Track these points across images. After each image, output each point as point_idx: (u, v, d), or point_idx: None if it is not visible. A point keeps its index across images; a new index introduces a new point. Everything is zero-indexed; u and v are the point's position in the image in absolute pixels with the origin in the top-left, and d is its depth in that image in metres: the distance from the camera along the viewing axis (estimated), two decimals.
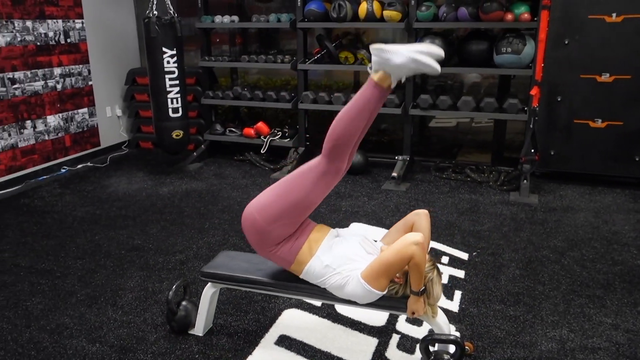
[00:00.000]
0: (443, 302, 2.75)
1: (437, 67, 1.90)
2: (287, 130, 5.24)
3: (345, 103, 4.81)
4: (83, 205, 4.20)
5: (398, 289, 2.05)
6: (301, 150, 5.15)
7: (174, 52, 4.61)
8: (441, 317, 2.10)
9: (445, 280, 2.98)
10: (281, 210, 2.05)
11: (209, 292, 2.42)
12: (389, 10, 4.52)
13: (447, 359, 2.00)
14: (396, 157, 4.81)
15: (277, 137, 5.20)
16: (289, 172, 4.78)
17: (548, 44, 4.24)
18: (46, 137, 4.97)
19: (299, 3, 4.82)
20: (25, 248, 3.44)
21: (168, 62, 4.60)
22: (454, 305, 2.73)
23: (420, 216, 2.20)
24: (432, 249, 3.37)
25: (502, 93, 4.95)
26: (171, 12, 4.63)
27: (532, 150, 4.12)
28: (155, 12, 4.54)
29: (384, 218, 3.89)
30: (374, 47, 1.96)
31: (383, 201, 4.23)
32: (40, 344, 2.44)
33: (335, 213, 3.98)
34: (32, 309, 2.73)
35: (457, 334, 2.41)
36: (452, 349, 2.04)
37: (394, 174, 4.54)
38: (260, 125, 5.18)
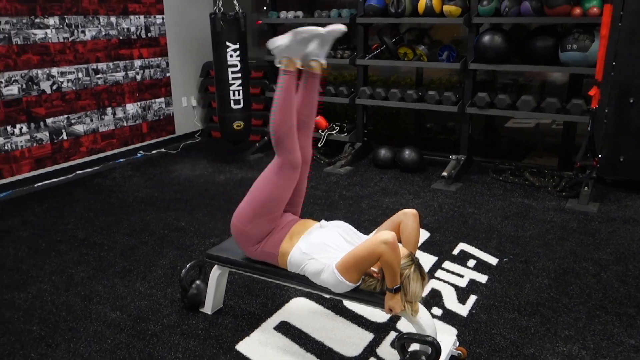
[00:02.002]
0: (453, 305, 2.69)
1: (319, 29, 2.15)
2: (345, 125, 5.29)
3: (401, 99, 4.82)
4: (146, 187, 4.56)
5: (376, 285, 2.06)
6: (357, 146, 5.18)
7: (237, 46, 4.84)
8: (423, 317, 2.06)
9: (464, 284, 2.90)
10: (253, 211, 2.23)
11: (216, 274, 2.56)
12: (449, 5, 4.40)
13: (422, 359, 1.97)
14: (450, 157, 4.69)
15: (335, 131, 5.27)
16: (342, 167, 4.93)
17: (620, 41, 3.92)
18: (125, 124, 5.43)
19: None
20: (86, 222, 3.82)
21: (231, 56, 4.84)
22: (464, 310, 2.65)
23: (408, 216, 2.19)
24: (461, 251, 3.28)
25: (572, 93, 4.64)
26: (236, 8, 4.85)
27: (589, 155, 3.83)
28: (221, 8, 4.79)
29: (424, 218, 3.81)
30: (268, 45, 2.27)
31: (428, 200, 4.15)
32: (71, 307, 2.73)
33: (374, 209, 3.98)
34: (75, 275, 3.05)
35: (453, 338, 2.34)
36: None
37: (444, 173, 4.43)
38: (319, 119, 5.28)
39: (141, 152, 5.61)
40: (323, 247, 2.12)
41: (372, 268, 2.05)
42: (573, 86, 4.71)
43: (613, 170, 4.21)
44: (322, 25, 2.23)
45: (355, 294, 2.12)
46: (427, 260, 3.15)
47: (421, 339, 1.97)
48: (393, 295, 1.97)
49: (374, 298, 2.09)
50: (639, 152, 4.06)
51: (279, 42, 2.22)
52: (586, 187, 4.03)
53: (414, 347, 2.08)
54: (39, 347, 2.40)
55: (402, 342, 2.02)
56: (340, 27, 2.20)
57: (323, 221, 2.31)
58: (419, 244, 3.35)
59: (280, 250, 2.23)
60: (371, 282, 2.07)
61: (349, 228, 2.28)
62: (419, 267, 2.04)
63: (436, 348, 1.95)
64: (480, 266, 3.10)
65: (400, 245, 2.12)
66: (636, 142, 4.06)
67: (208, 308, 2.63)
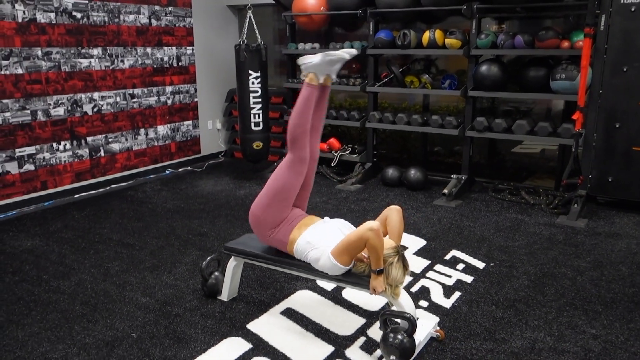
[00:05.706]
0: (439, 299, 3.05)
1: (344, 54, 2.57)
2: (356, 147, 5.73)
3: (407, 123, 5.24)
4: (173, 199, 5.04)
5: (365, 268, 2.45)
6: (367, 166, 5.60)
7: (259, 74, 5.35)
8: (404, 298, 2.44)
9: (451, 282, 3.26)
10: (268, 199, 2.65)
11: (232, 264, 2.98)
12: (450, 38, 4.85)
13: (401, 332, 2.33)
14: (452, 176, 5.06)
15: (347, 152, 5.70)
16: (352, 184, 5.35)
17: (606, 71, 4.29)
18: (155, 143, 5.97)
19: (370, 32, 5.34)
20: (120, 227, 4.29)
21: (253, 83, 5.35)
22: (447, 303, 3.00)
23: (392, 211, 2.59)
24: (453, 256, 3.64)
25: (565, 118, 4.99)
26: (258, 40, 5.38)
27: (575, 173, 4.17)
28: (245, 40, 5.33)
29: (422, 229, 4.19)
30: (299, 61, 2.68)
31: (428, 214, 4.52)
32: (108, 292, 3.17)
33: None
34: (110, 269, 3.50)
35: (434, 323, 2.70)
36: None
37: (445, 191, 4.81)
38: (332, 141, 5.72)
39: (169, 169, 6.12)
40: (324, 238, 2.53)
41: (362, 254, 2.45)
42: (567, 112, 5.07)
43: (603, 191, 4.53)
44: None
45: (347, 277, 2.51)
46: (420, 263, 3.53)
47: (400, 315, 2.35)
48: (376, 276, 2.36)
49: (362, 281, 2.48)
50: (626, 173, 4.39)
51: (309, 59, 2.61)
52: (575, 205, 4.35)
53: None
54: (81, 322, 2.84)
55: (384, 318, 2.39)
56: (355, 51, 2.67)
57: (326, 217, 2.73)
58: (414, 249, 3.73)
59: (290, 238, 2.64)
60: (361, 265, 2.46)
61: (348, 224, 2.69)
62: (402, 257, 2.43)
63: (412, 323, 2.32)
64: (468, 269, 3.45)
65: (387, 238, 2.52)
66: (623, 163, 4.39)
67: (224, 296, 3.04)
